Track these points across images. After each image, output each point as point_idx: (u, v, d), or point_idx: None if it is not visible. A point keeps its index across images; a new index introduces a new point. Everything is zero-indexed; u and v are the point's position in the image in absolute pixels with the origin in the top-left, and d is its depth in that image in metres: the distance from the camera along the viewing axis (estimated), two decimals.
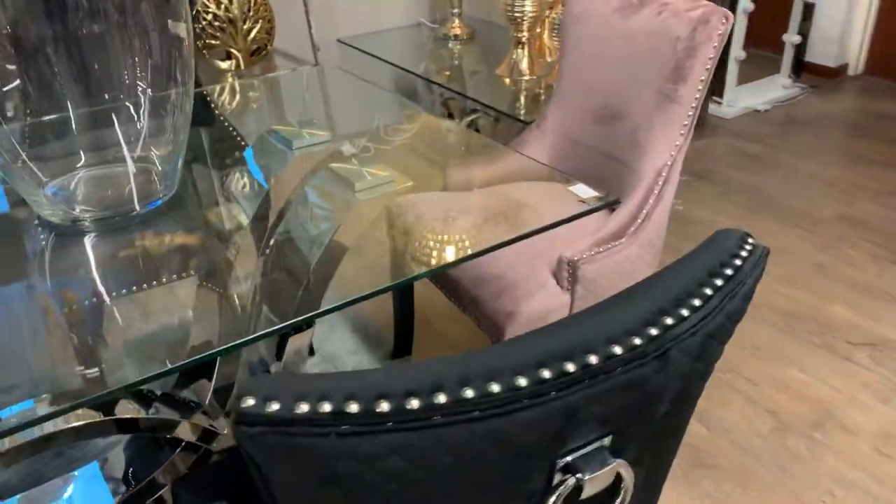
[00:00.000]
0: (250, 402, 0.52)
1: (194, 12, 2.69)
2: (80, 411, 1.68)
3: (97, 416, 1.64)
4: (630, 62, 1.65)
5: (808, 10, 3.93)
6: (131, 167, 1.21)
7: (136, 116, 1.25)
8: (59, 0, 1.14)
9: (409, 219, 1.63)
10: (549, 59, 2.87)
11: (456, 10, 3.24)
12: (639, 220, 1.56)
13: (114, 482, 1.56)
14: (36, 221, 1.27)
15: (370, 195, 1.34)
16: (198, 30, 2.71)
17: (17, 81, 1.17)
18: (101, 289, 1.17)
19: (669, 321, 0.60)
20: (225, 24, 2.72)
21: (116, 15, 1.17)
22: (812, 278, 2.39)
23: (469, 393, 0.53)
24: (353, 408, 0.51)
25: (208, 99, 2.03)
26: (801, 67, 4.08)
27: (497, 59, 2.86)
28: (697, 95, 1.55)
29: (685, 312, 0.61)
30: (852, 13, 3.97)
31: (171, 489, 1.40)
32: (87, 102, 1.22)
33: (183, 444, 1.33)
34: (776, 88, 3.89)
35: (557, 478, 0.60)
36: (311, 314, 1.11)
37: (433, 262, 1.42)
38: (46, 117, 1.21)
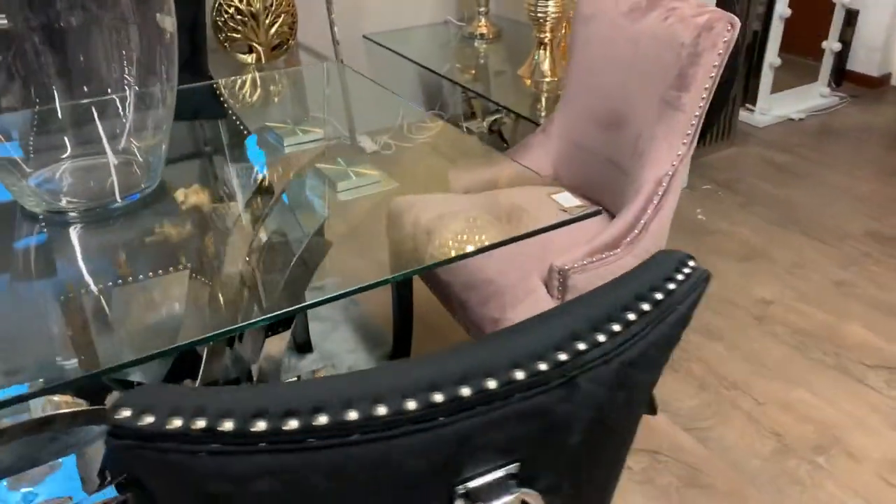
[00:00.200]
0: (125, 413, 0.50)
1: (217, 5, 2.70)
2: (69, 399, 1.70)
3: (83, 405, 1.66)
4: (635, 67, 1.61)
5: (851, 17, 3.81)
6: (112, 159, 1.22)
7: (120, 109, 1.26)
8: None
9: (406, 219, 1.62)
10: None
11: (482, 9, 3.21)
12: (635, 231, 1.51)
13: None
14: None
15: (353, 195, 1.32)
16: (220, 23, 2.73)
17: (3, 73, 1.18)
18: (80, 279, 1.17)
19: (581, 346, 0.57)
20: (247, 18, 2.74)
21: (102, 7, 1.18)
22: (831, 295, 2.31)
23: (352, 415, 0.51)
24: (228, 425, 0.50)
25: (218, 92, 2.04)
26: (842, 76, 3.96)
27: (522, 60, 2.82)
28: (701, 104, 1.50)
29: (601, 338, 0.58)
30: None
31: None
32: (71, 95, 1.22)
33: None
34: (813, 97, 3.78)
35: None
36: (264, 317, 1.10)
37: (414, 264, 1.40)
38: (31, 109, 1.22)
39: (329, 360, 2.03)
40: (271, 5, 2.76)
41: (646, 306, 0.61)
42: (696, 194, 2.93)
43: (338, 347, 2.08)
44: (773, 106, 3.61)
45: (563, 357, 0.56)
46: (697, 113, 1.51)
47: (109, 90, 1.23)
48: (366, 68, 3.37)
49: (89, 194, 1.26)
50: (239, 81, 2.12)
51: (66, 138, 1.27)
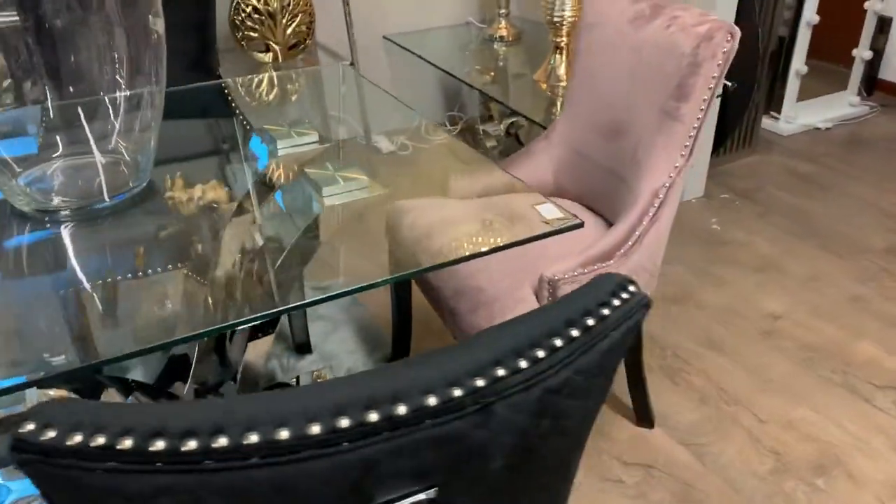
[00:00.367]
0: (29, 427, 0.50)
1: (234, 4, 2.72)
2: (64, 393, 1.72)
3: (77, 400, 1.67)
4: (637, 76, 1.58)
5: (884, 24, 3.71)
6: (99, 158, 1.23)
7: (110, 109, 1.27)
8: None
9: (403, 223, 1.61)
10: None
11: (503, 11, 3.19)
12: (629, 243, 1.49)
13: None
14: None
15: (339, 200, 1.32)
16: (237, 21, 2.74)
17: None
18: (67, 278, 1.19)
19: (501, 372, 0.55)
20: (264, 17, 2.75)
21: (91, 8, 1.19)
22: (844, 311, 2.25)
23: (252, 438, 0.50)
24: (127, 443, 0.49)
25: (226, 91, 2.05)
26: (873, 85, 3.86)
27: (540, 63, 2.80)
28: (700, 115, 1.47)
29: (522, 364, 0.56)
30: None
31: None
32: (61, 95, 1.24)
33: None
34: (841, 106, 3.69)
35: None
36: (237, 321, 1.11)
37: (399, 269, 1.39)
38: (22, 108, 1.24)
39: (328, 362, 2.03)
40: (288, 5, 2.77)
41: (575, 332, 0.59)
42: (712, 203, 2.88)
43: (337, 348, 2.08)
44: (799, 114, 3.53)
45: (479, 383, 0.55)
46: (696, 124, 1.48)
47: (98, 90, 1.24)
48: (385, 69, 3.38)
49: (78, 193, 1.28)
50: (249, 80, 2.13)
51: (57, 137, 1.29)
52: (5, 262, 1.24)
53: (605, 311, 0.61)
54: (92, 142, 1.22)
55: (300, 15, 2.81)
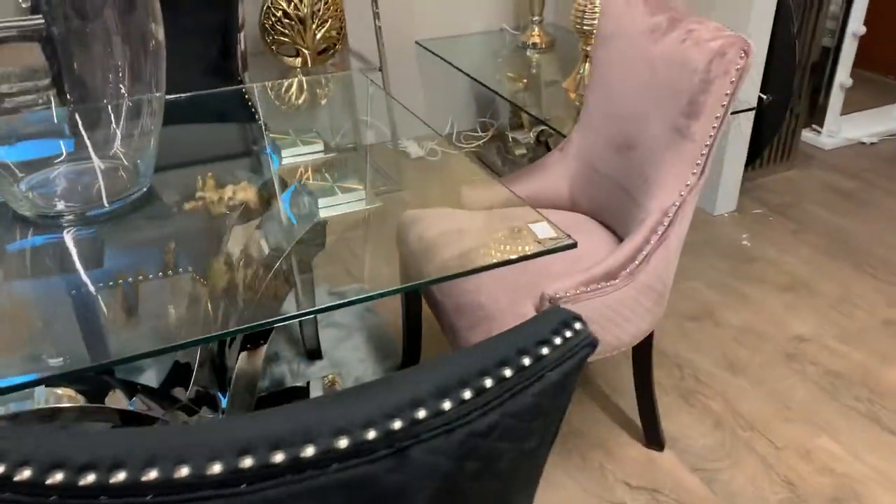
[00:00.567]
0: None
1: (265, 8, 2.74)
2: (71, 392, 1.75)
3: (80, 400, 1.70)
4: (650, 91, 1.54)
5: None
6: (98, 164, 1.24)
7: (112, 116, 1.28)
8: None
9: (411, 234, 1.60)
10: None
11: (536, 18, 3.15)
12: (636, 262, 1.45)
13: None
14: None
15: (334, 212, 1.31)
16: (267, 26, 2.76)
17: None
18: (65, 284, 1.20)
19: (421, 414, 0.53)
20: (294, 22, 2.77)
21: (91, 16, 1.20)
22: (875, 336, 2.16)
23: (151, 474, 0.49)
24: (25, 474, 0.49)
25: (247, 97, 2.06)
26: None
27: (571, 72, 2.76)
28: (712, 133, 1.42)
29: (446, 405, 0.54)
30: None
31: None
32: (62, 101, 1.25)
33: None
34: (889, 119, 3.56)
35: None
36: (223, 332, 1.10)
37: (405, 281, 1.38)
38: (25, 113, 1.26)
39: (338, 369, 2.03)
40: (319, 10, 2.78)
41: (508, 372, 0.57)
42: (744, 218, 2.80)
43: (349, 356, 2.08)
44: (843, 127, 3.42)
45: (396, 425, 0.52)
46: (708, 142, 1.43)
47: (99, 97, 1.25)
48: (417, 74, 3.37)
49: (78, 199, 1.29)
50: (271, 85, 2.14)
51: (60, 143, 1.31)
52: (9, 264, 1.26)
53: (544, 351, 0.59)
54: (90, 148, 1.23)
55: (330, 20, 2.82)
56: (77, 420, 1.61)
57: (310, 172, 1.44)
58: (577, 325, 0.61)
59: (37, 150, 1.29)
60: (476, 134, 3.52)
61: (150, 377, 1.95)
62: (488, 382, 0.56)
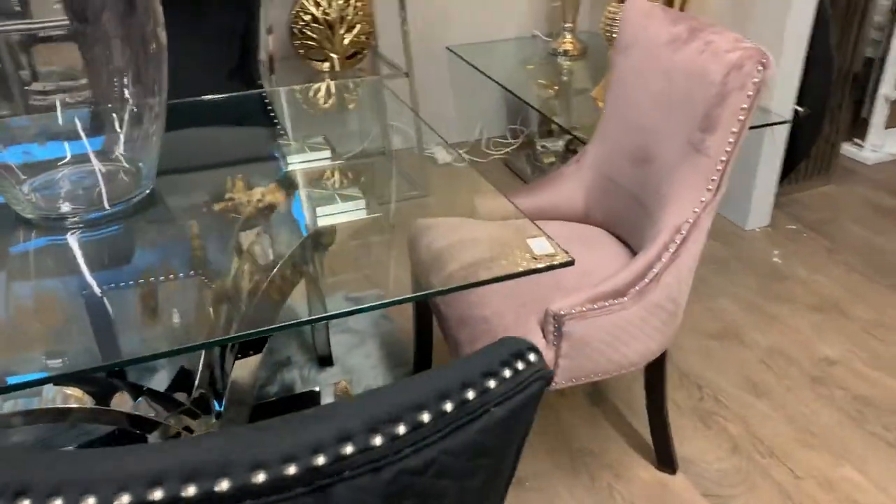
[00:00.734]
0: None
1: (294, 13, 2.75)
2: (79, 393, 1.76)
3: (84, 401, 1.71)
4: (667, 103, 1.49)
5: None
6: (98, 167, 1.24)
7: (115, 119, 1.28)
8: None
9: (422, 243, 1.57)
10: None
11: (568, 25, 3.10)
12: (646, 280, 1.40)
13: None
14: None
15: (332, 221, 1.29)
16: (296, 30, 2.77)
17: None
18: (67, 285, 1.21)
19: (348, 450, 0.50)
20: (322, 27, 2.76)
21: (100, 19, 1.20)
22: None
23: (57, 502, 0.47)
24: None
25: (266, 101, 2.06)
26: None
27: (601, 80, 2.71)
28: (728, 148, 1.37)
29: (376, 441, 0.51)
30: None
31: None
32: (67, 103, 1.26)
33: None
34: None
35: None
36: (213, 340, 1.09)
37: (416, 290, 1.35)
38: (27, 115, 1.26)
39: (349, 375, 2.01)
40: (347, 14, 2.78)
41: (448, 406, 0.54)
42: (777, 234, 2.72)
43: (361, 363, 2.06)
44: (887, 142, 3.29)
45: (319, 461, 0.50)
46: (724, 158, 1.37)
47: (102, 100, 1.26)
48: (447, 79, 3.35)
49: (81, 201, 1.29)
50: (293, 90, 2.14)
51: (64, 145, 1.31)
52: (12, 266, 1.27)
53: (490, 384, 0.55)
54: (90, 151, 1.23)
55: (359, 25, 2.81)
56: (87, 421, 1.62)
57: (315, 178, 1.43)
58: (532, 357, 0.58)
59: (40, 153, 1.30)
60: (505, 141, 3.48)
61: (162, 379, 1.96)
62: (425, 417, 0.53)
